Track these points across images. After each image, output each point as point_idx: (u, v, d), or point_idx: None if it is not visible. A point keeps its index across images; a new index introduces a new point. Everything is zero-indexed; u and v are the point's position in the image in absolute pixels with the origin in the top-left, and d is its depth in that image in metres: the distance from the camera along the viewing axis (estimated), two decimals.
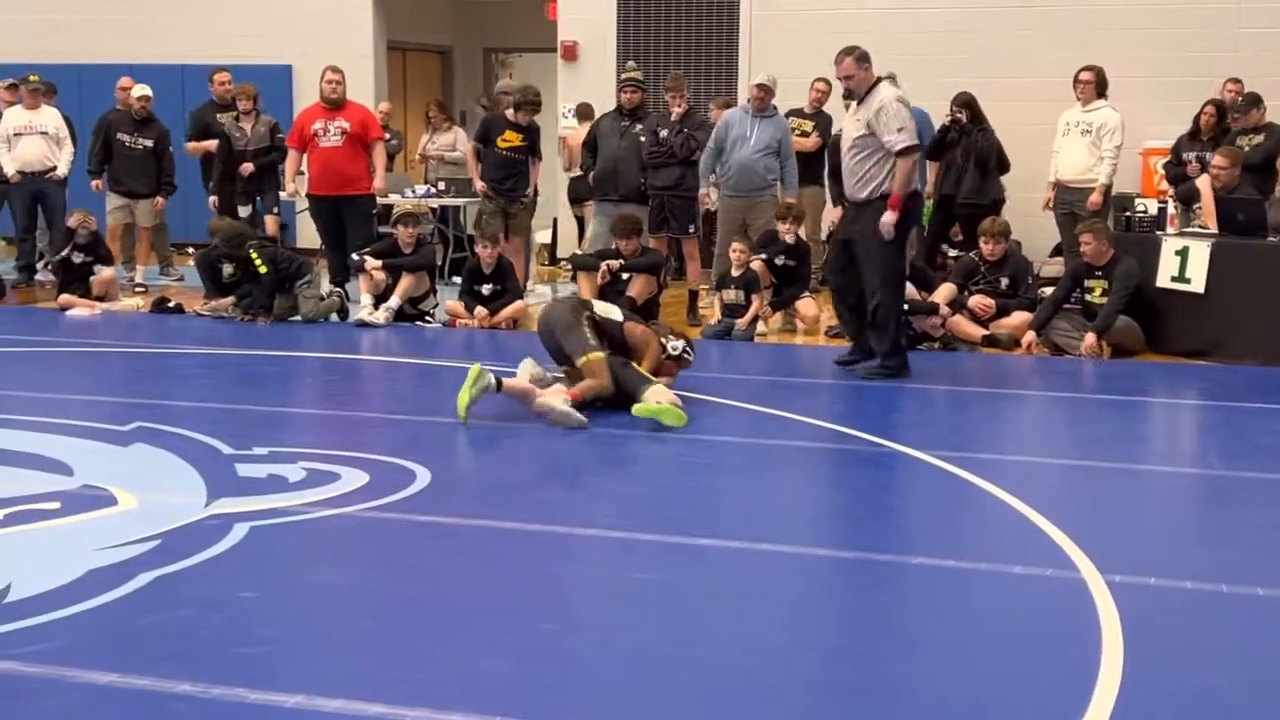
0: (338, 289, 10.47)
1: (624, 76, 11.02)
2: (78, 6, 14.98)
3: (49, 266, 11.33)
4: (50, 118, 11.85)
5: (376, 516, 5.04)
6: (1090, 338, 8.81)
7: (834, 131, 10.90)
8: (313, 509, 5.08)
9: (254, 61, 13.81)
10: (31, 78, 11.94)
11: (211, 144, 11.65)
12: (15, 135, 11.74)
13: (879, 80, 7.95)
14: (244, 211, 11.35)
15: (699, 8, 13.53)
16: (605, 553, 4.74)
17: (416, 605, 4.13)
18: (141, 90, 11.87)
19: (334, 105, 10.62)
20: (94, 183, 11.94)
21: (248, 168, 11.23)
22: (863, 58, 7.88)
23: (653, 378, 7.03)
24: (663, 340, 7.36)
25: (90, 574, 4.27)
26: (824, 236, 11.50)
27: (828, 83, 11.62)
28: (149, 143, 11.79)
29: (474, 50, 17.41)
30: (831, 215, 11.02)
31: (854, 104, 8.08)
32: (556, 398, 6.65)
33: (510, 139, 10.87)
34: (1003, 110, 11.07)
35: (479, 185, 10.94)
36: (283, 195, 11.41)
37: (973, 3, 12.78)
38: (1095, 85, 10.22)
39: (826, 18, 13.03)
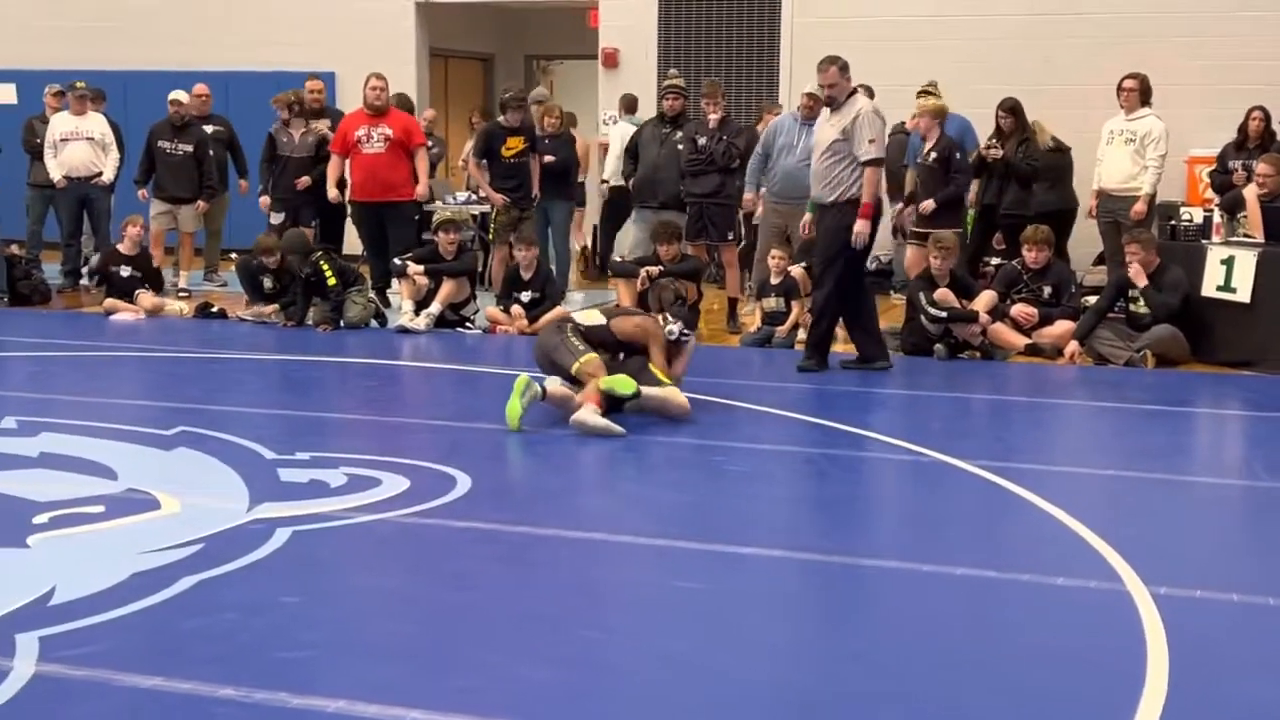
0: (375, 296, 10.50)
1: (666, 84, 11.03)
2: (124, 14, 15.11)
3: (92, 276, 11.43)
4: (97, 124, 11.96)
5: (417, 522, 5.05)
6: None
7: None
8: (354, 514, 5.10)
9: (298, 69, 13.87)
10: (78, 84, 12.05)
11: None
12: (62, 141, 11.85)
13: (855, 90, 8.38)
14: (277, 219, 11.37)
15: (740, 15, 13.52)
16: (645, 560, 4.73)
17: (457, 611, 4.14)
18: (176, 95, 11.96)
19: (377, 112, 10.67)
20: (140, 191, 12.03)
21: (304, 182, 11.21)
22: (844, 68, 8.27)
23: (666, 379, 7.00)
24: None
25: (134, 577, 4.30)
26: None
27: (869, 90, 11.58)
28: (189, 148, 11.87)
29: (516, 57, 17.46)
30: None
31: (828, 111, 8.40)
32: (587, 411, 6.63)
33: (514, 145, 10.90)
34: (1045, 118, 11.00)
35: (496, 198, 10.92)
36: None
37: (1015, 11, 12.70)
38: (1139, 93, 10.14)
39: (868, 25, 13.01)
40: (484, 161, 11.02)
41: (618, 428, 6.57)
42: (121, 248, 10.76)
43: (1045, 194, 10.57)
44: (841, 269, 8.30)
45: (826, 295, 8.41)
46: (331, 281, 9.96)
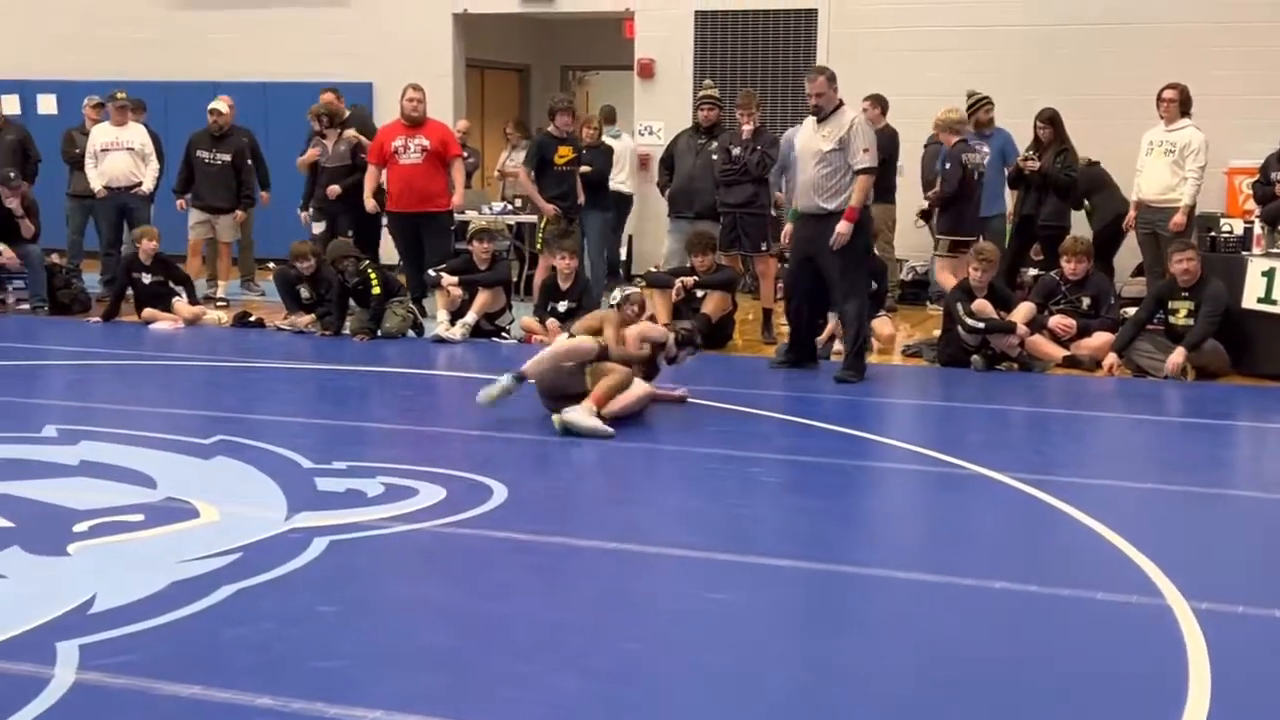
0: (412, 306, 10.54)
1: (701, 94, 11.04)
2: (164, 25, 15.25)
3: (110, 284, 11.48)
4: (137, 134, 12.05)
5: (454, 532, 5.06)
6: (1178, 354, 8.66)
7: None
8: (390, 524, 5.12)
9: (335, 79, 13.93)
10: (118, 95, 12.15)
11: (313, 153, 11.70)
12: (102, 151, 11.95)
13: (841, 100, 8.53)
14: (318, 228, 11.45)
15: (776, 25, 13.51)
16: (683, 572, 4.72)
17: (493, 622, 4.14)
18: (215, 105, 12.05)
19: (415, 123, 10.71)
20: (178, 201, 12.12)
21: (334, 190, 11.30)
22: (832, 78, 8.47)
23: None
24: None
25: (173, 586, 4.32)
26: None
27: (875, 100, 11.56)
28: (227, 157, 11.94)
29: (552, 68, 17.51)
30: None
31: (813, 121, 8.54)
32: (579, 412, 6.71)
33: (565, 154, 10.93)
34: (1084, 129, 10.95)
35: (548, 209, 10.90)
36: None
37: (1053, 21, 12.64)
38: (1179, 104, 10.06)
39: (905, 35, 12.99)
40: (533, 172, 11.04)
41: (606, 428, 6.67)
42: (140, 255, 10.80)
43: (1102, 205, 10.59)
44: (856, 276, 8.51)
45: (860, 306, 8.54)
46: (376, 291, 10.01)
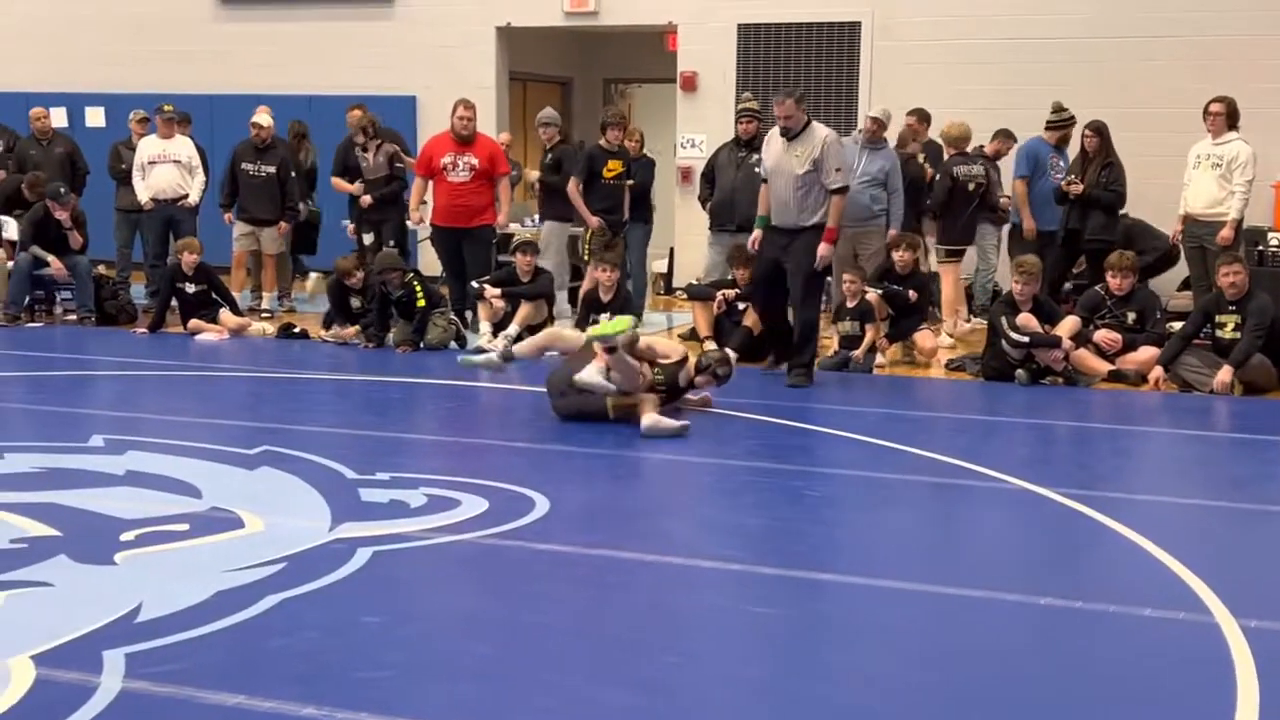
0: (454, 318, 10.58)
1: (740, 107, 11.05)
2: (209, 39, 15.40)
3: (155, 295, 11.58)
4: (183, 146, 12.16)
5: (496, 543, 5.07)
6: (1225, 372, 8.58)
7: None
8: (433, 535, 5.13)
9: (379, 92, 14.07)
10: (165, 107, 12.26)
11: (355, 187, 11.79)
12: (150, 163, 12.05)
13: (809, 119, 8.72)
14: (368, 239, 11.56)
15: (819, 38, 13.49)
16: (723, 585, 4.71)
17: (536, 633, 4.14)
18: (257, 119, 12.08)
19: (464, 141, 10.73)
20: (225, 215, 12.21)
21: (366, 200, 11.42)
22: (801, 99, 8.69)
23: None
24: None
25: (218, 595, 4.35)
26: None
27: (919, 114, 11.67)
28: (271, 169, 12.03)
29: (594, 81, 17.54)
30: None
31: (781, 139, 8.70)
32: (656, 417, 7.01)
33: (614, 167, 11.00)
34: (1130, 141, 10.87)
35: (594, 221, 10.95)
36: (408, 224, 11.57)
37: (1097, 34, 12.55)
38: (1226, 117, 9.97)
39: (948, 48, 12.94)
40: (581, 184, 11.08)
41: (683, 423, 7.05)
42: (183, 267, 10.88)
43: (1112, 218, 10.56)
44: (812, 286, 8.83)
45: (816, 314, 8.88)
46: (421, 303, 10.06)
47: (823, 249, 8.56)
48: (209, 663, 3.81)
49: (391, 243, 11.38)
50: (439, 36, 14.64)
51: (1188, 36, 12.27)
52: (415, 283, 10.12)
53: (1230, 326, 8.86)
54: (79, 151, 12.92)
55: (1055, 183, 10.85)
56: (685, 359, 7.67)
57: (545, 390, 7.64)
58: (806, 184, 8.60)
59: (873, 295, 9.61)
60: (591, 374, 7.10)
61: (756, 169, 10.31)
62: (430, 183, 10.86)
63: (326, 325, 10.60)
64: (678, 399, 7.63)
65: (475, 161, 10.65)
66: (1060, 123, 11.11)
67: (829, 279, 9.65)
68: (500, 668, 3.85)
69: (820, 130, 8.73)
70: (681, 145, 13.98)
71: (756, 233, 9.01)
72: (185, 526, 5.19)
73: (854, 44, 13.38)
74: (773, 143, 8.84)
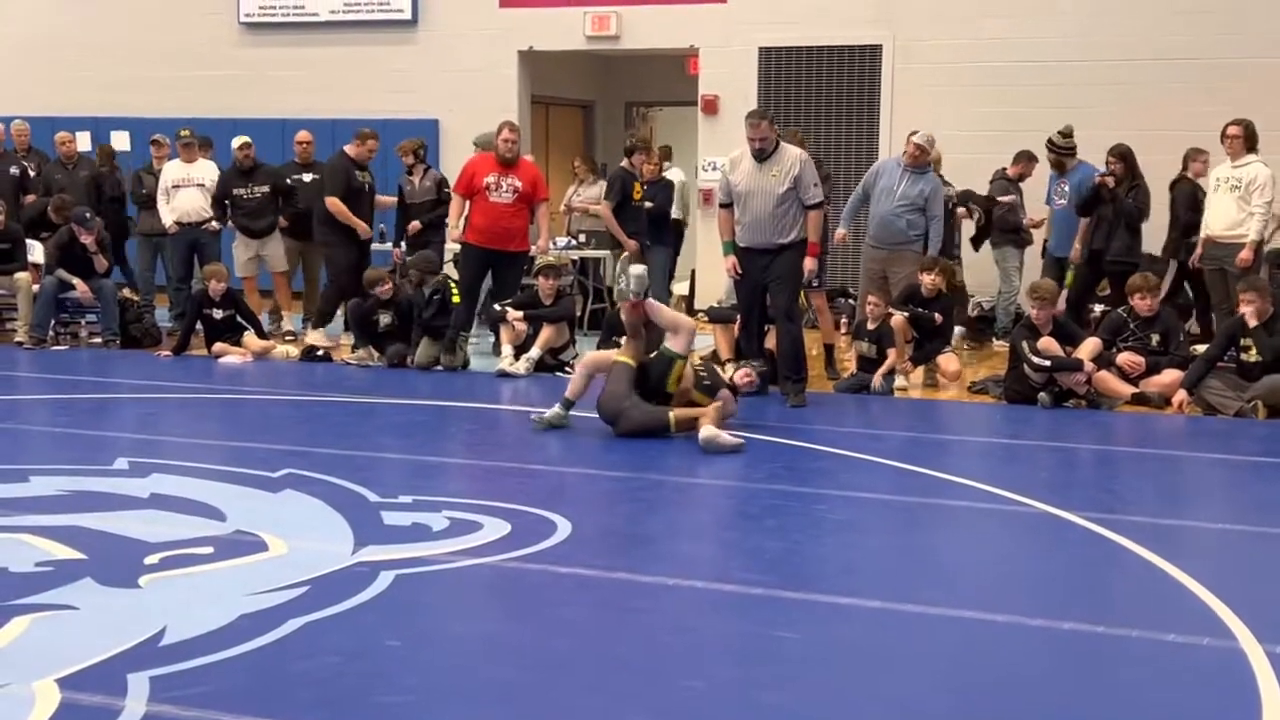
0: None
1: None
2: (234, 63, 15.52)
3: (180, 318, 11.64)
4: (206, 170, 12.22)
5: (518, 567, 5.08)
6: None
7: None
8: (455, 558, 5.14)
9: (402, 116, 14.15)
10: (183, 132, 12.34)
11: (391, 199, 11.85)
12: (174, 187, 12.13)
13: (779, 140, 8.86)
14: (399, 253, 11.65)
15: (840, 62, 13.52)
16: (745, 609, 4.70)
17: (558, 658, 4.14)
18: (241, 140, 12.06)
19: (509, 163, 10.76)
20: (224, 225, 12.15)
21: (415, 226, 11.50)
22: (773, 120, 8.87)
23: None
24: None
25: (242, 618, 4.36)
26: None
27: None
28: (265, 189, 11.99)
29: (616, 104, 17.61)
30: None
31: (752, 161, 8.81)
32: (714, 429, 7.26)
33: (639, 190, 11.09)
34: (1152, 165, 10.85)
35: (631, 244, 11.05)
36: (447, 242, 11.58)
37: (1119, 57, 12.54)
38: (1244, 140, 9.96)
39: (969, 71, 12.95)
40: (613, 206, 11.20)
41: (740, 440, 7.30)
42: (210, 293, 10.94)
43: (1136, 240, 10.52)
44: (793, 301, 9.03)
45: (795, 333, 8.96)
46: (456, 300, 10.14)
47: (809, 263, 8.78)
48: (232, 686, 3.82)
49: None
50: (462, 60, 14.72)
51: (1208, 59, 12.26)
52: (450, 281, 10.22)
53: (1254, 349, 8.82)
54: (104, 176, 13.00)
55: (1059, 208, 10.82)
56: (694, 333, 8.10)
57: (599, 417, 7.77)
58: (786, 201, 8.74)
59: (898, 318, 9.58)
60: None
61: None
62: (468, 203, 10.88)
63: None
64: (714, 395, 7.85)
65: (519, 184, 10.67)
66: (1058, 149, 11.02)
67: (855, 298, 9.66)
68: (522, 692, 3.86)
69: (792, 149, 8.88)
70: (703, 168, 14.00)
71: (730, 259, 9.10)
72: (209, 550, 5.21)
73: (875, 67, 13.41)
74: (743, 164, 8.91)
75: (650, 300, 8.02)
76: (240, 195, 11.98)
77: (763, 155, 8.78)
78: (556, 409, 7.91)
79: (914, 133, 10.15)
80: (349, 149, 11.54)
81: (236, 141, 12.06)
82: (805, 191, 8.75)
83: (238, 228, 12.05)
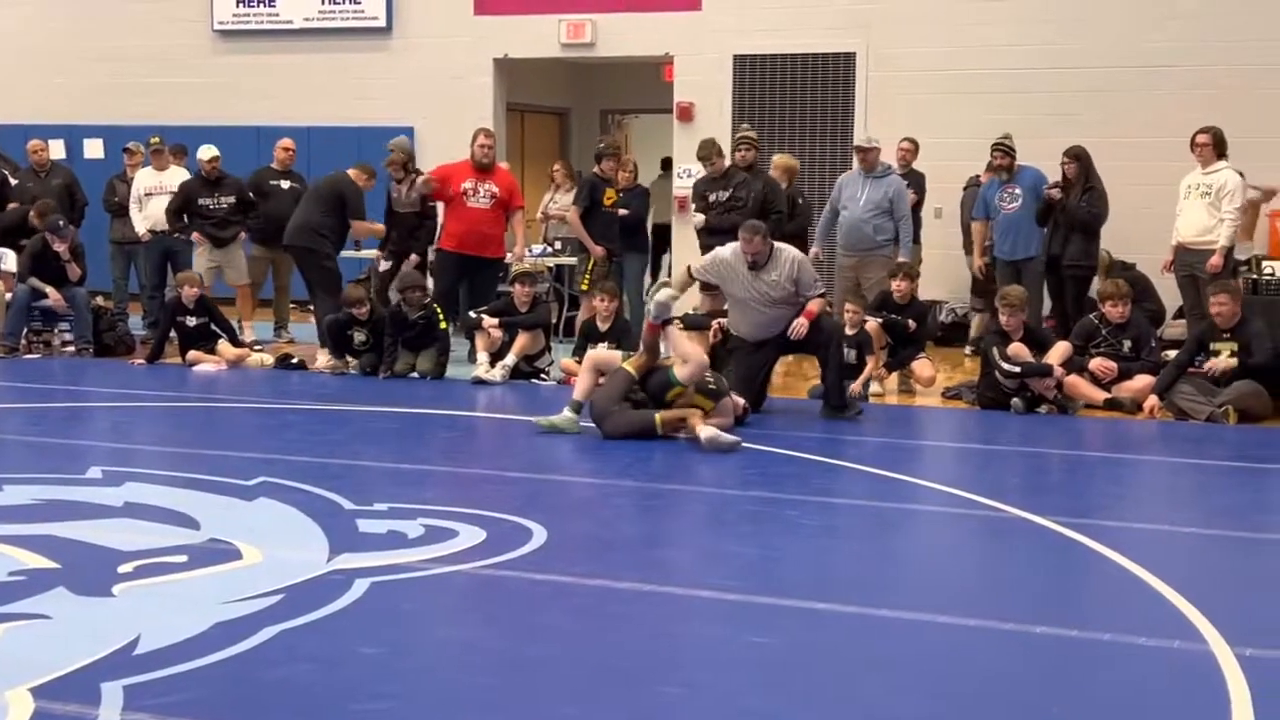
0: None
1: (739, 136, 11.12)
2: (207, 71, 15.48)
3: (154, 325, 11.59)
4: (179, 178, 12.19)
5: (494, 574, 5.08)
6: (1225, 360, 8.65)
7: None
8: (431, 565, 5.14)
9: (377, 123, 14.13)
10: (153, 140, 12.31)
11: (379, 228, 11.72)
12: (146, 195, 12.11)
13: (772, 245, 8.69)
14: (384, 265, 11.60)
15: (815, 69, 13.58)
16: (722, 615, 4.71)
17: (534, 664, 4.15)
18: (205, 153, 11.97)
19: (485, 169, 10.78)
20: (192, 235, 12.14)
21: (379, 229, 11.51)
22: (766, 234, 8.65)
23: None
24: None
25: (217, 627, 4.35)
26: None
27: (913, 142, 11.89)
28: (230, 199, 11.95)
29: (591, 112, 17.64)
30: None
31: (751, 271, 8.64)
32: (712, 429, 7.39)
33: (612, 196, 11.10)
34: (1125, 171, 10.93)
35: (598, 250, 11.04)
36: (431, 252, 11.53)
37: (1088, 64, 12.64)
38: (1214, 147, 10.04)
39: (942, 78, 13.03)
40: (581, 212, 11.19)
41: (738, 440, 7.44)
42: (184, 300, 10.90)
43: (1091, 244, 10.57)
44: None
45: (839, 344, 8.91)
46: (443, 325, 10.13)
47: (798, 322, 8.57)
48: (207, 695, 3.81)
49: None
50: (436, 68, 14.72)
51: (1183, 67, 12.36)
52: (435, 305, 10.21)
53: (1226, 353, 8.90)
54: (78, 184, 12.96)
55: (1006, 212, 10.84)
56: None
57: (589, 413, 7.87)
58: (786, 303, 8.66)
59: (872, 324, 9.63)
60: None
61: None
62: (443, 209, 10.87)
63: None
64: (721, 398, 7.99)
65: (496, 190, 10.71)
66: (1013, 152, 11.01)
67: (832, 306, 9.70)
68: (499, 699, 3.86)
69: (785, 252, 8.69)
70: (678, 175, 14.04)
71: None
72: (184, 558, 5.19)
73: (849, 75, 13.47)
74: (736, 270, 8.74)
75: (670, 329, 8.03)
76: (206, 205, 11.92)
77: (756, 266, 8.66)
78: (566, 413, 7.93)
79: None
80: (355, 174, 11.26)
81: (205, 154, 11.95)
82: (807, 287, 8.65)
83: (205, 237, 11.96)
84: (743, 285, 8.73)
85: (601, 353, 8.64)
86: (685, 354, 7.93)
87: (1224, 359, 8.85)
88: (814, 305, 8.65)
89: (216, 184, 11.98)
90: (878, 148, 10.64)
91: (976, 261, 11.42)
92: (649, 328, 8.04)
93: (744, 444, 7.56)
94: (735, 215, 10.33)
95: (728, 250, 8.76)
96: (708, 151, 10.65)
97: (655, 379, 7.88)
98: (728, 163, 10.70)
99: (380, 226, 11.45)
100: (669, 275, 11.59)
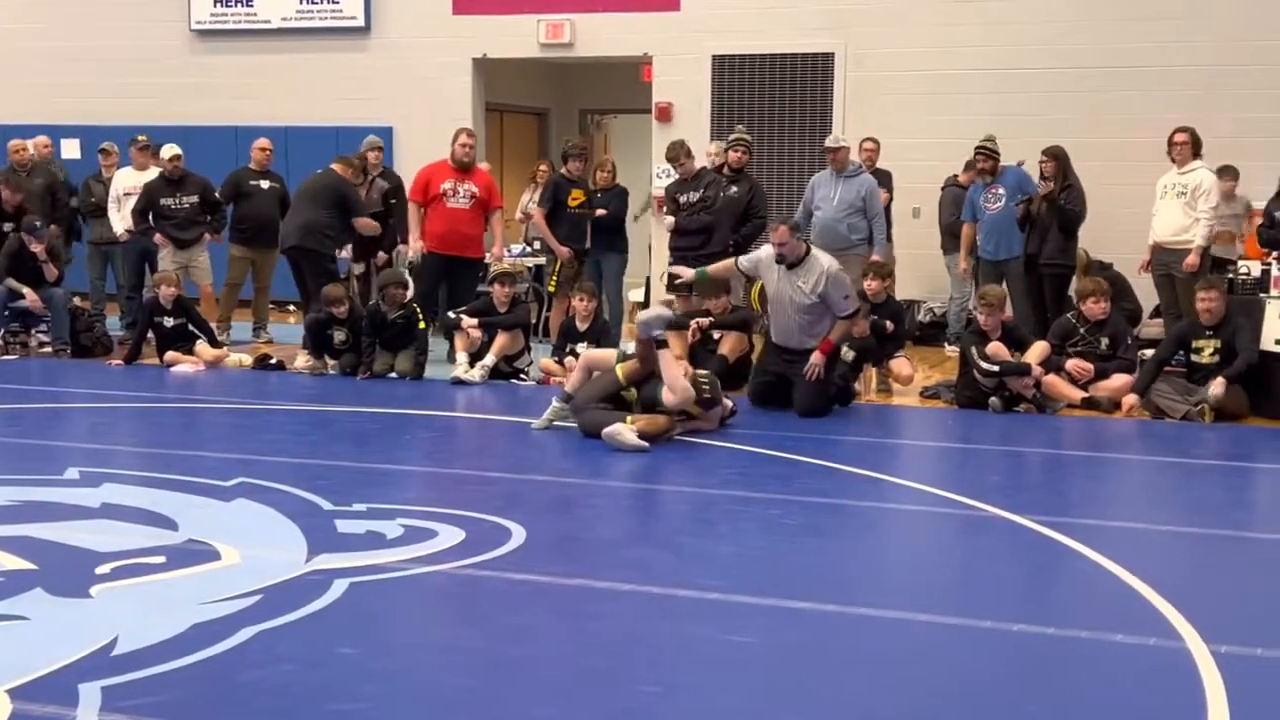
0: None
1: (733, 137, 11.14)
2: (186, 70, 15.43)
3: (131, 326, 11.54)
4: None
5: (473, 574, 5.08)
6: (1218, 385, 8.65)
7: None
8: (410, 565, 5.14)
9: (357, 124, 14.10)
10: (139, 138, 12.25)
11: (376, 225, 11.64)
12: (125, 195, 12.06)
13: (809, 248, 8.81)
14: (359, 269, 11.58)
15: (793, 69, 13.60)
16: (701, 614, 4.72)
17: (514, 664, 4.15)
18: (168, 151, 11.87)
19: (464, 168, 10.78)
20: (142, 234, 12.04)
21: (368, 224, 11.41)
22: (795, 228, 8.80)
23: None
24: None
25: (195, 628, 4.34)
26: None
27: (875, 141, 12.01)
28: (193, 199, 11.87)
29: (570, 112, 17.63)
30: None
31: (779, 265, 8.75)
32: (627, 430, 7.37)
33: (578, 196, 11.12)
34: (1102, 171, 10.97)
35: (563, 251, 11.07)
36: (409, 253, 11.40)
37: (1066, 65, 12.68)
38: (1190, 146, 10.08)
39: (920, 79, 13.06)
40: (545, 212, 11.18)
41: (645, 444, 7.35)
42: (161, 300, 10.86)
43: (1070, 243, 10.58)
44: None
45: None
46: (422, 324, 10.12)
47: (815, 358, 8.62)
48: (185, 695, 3.81)
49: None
50: (416, 68, 14.70)
51: (1159, 67, 12.41)
52: (415, 304, 10.20)
53: (1209, 351, 8.94)
54: (61, 184, 12.89)
55: (990, 212, 10.90)
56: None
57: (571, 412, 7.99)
58: (813, 312, 8.74)
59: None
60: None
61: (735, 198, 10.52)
62: (423, 210, 10.84)
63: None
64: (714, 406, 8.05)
65: (475, 190, 10.72)
66: (995, 154, 11.05)
67: None
68: (478, 699, 3.86)
69: (821, 260, 8.76)
70: (657, 175, 14.04)
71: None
72: (161, 559, 5.18)
73: (827, 75, 13.50)
74: (769, 266, 8.87)
75: (663, 352, 7.83)
76: (168, 205, 11.83)
77: (788, 262, 8.70)
78: (555, 405, 8.04)
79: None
80: (341, 169, 11.25)
81: (166, 153, 11.87)
82: (836, 306, 8.71)
83: (167, 239, 11.89)
84: (775, 282, 8.84)
85: (597, 352, 8.70)
86: (672, 382, 7.79)
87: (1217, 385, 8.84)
88: (835, 332, 8.74)
89: (179, 183, 11.89)
90: (846, 146, 10.75)
91: (963, 263, 11.45)
92: (639, 341, 8.01)
93: (726, 445, 7.57)
94: (705, 216, 10.42)
95: (770, 245, 8.91)
96: (676, 153, 10.73)
97: (648, 389, 7.81)
98: (698, 164, 10.76)
99: (376, 223, 11.42)
100: (661, 275, 11.55)
